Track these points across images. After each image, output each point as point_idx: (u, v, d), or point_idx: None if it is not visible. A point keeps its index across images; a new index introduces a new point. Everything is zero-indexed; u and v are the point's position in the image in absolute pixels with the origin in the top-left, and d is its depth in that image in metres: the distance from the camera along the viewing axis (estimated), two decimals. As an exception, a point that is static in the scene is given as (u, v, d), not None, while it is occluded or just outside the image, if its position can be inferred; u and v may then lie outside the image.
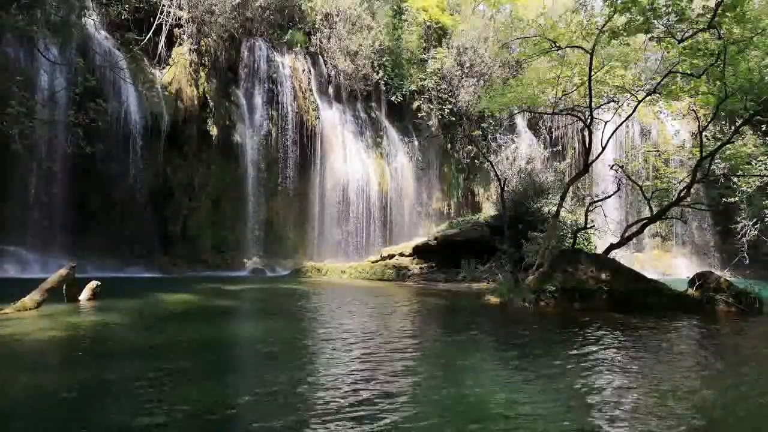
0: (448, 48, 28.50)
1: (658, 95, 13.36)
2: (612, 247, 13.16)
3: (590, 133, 14.20)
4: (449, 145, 29.42)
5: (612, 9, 11.53)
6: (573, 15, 14.02)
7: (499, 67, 28.51)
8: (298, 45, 25.34)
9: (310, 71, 25.49)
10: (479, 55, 28.34)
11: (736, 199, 21.95)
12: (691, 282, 11.78)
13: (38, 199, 17.61)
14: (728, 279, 12.65)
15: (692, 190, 14.52)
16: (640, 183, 16.90)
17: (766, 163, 19.16)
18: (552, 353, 6.65)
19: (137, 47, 20.15)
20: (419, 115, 28.24)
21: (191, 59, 21.71)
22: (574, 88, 15.15)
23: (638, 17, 11.44)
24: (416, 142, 28.59)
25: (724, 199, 22.33)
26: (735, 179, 20.33)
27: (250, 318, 10.24)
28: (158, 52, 21.17)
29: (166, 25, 21.06)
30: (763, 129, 20.43)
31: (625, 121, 15.06)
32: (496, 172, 16.42)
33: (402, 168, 27.60)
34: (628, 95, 14.22)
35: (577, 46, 13.20)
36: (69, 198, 17.81)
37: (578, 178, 16.46)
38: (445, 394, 4.71)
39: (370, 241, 25.21)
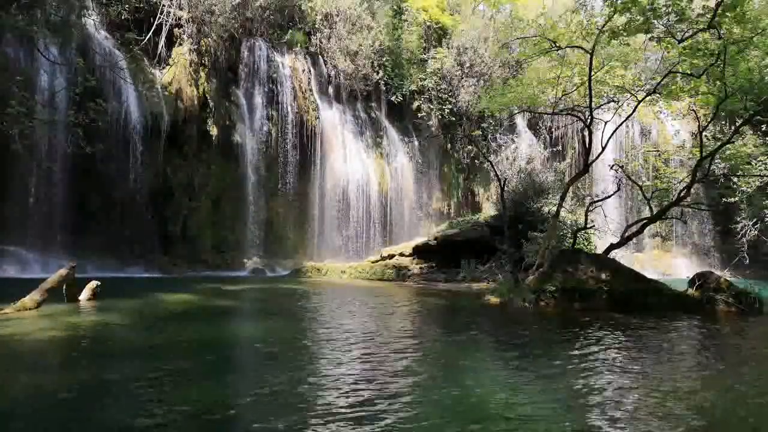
0: (448, 48, 28.50)
1: (658, 95, 13.36)
2: (612, 247, 13.16)
3: (590, 133, 14.20)
4: (449, 145, 29.42)
5: (612, 9, 11.54)
6: (573, 15, 14.02)
7: (499, 67, 28.51)
8: (298, 45, 25.34)
9: (310, 71, 25.49)
10: (479, 55, 28.34)
11: (736, 199, 21.95)
12: (691, 282, 11.78)
13: (38, 199, 17.61)
14: (728, 279, 12.65)
15: (692, 190, 14.51)
16: (640, 183, 16.90)
17: (766, 163, 19.16)
18: (552, 353, 6.65)
19: (137, 47, 20.15)
20: (419, 115, 28.24)
21: (191, 59, 21.71)
22: (574, 88, 15.14)
23: (638, 17, 11.44)
24: (416, 142, 28.59)
25: (724, 199, 22.33)
26: (735, 179, 20.33)
27: (250, 318, 10.24)
28: (158, 52, 21.17)
29: (166, 25, 21.06)
30: (763, 129, 20.43)
31: (625, 121, 15.06)
32: (496, 172, 16.42)
33: (402, 168, 27.60)
34: (628, 95, 14.22)
35: (577, 46, 13.20)
36: (69, 198, 17.81)
37: (578, 178, 16.46)
38: (446, 394, 4.71)
39: (370, 241, 25.22)
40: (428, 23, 28.97)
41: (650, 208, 14.65)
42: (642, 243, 28.22)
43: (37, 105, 16.12)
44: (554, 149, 29.49)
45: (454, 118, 28.48)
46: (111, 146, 18.29)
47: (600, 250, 14.68)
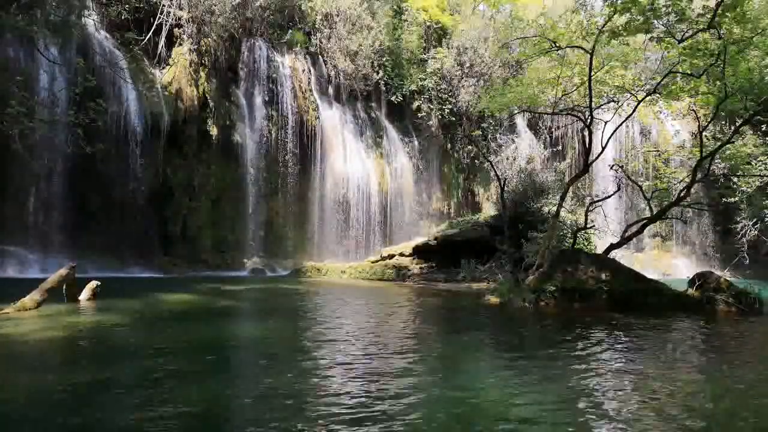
0: (448, 48, 28.50)
1: (658, 95, 13.37)
2: (612, 247, 13.16)
3: (590, 133, 14.20)
4: (449, 145, 29.42)
5: (612, 9, 11.53)
6: (573, 15, 14.02)
7: (499, 67, 28.50)
8: (298, 45, 25.34)
9: (310, 71, 25.49)
10: (479, 55, 28.34)
11: (736, 199, 21.97)
12: (691, 282, 11.78)
13: (38, 199, 17.62)
14: (728, 279, 12.65)
15: (692, 190, 14.51)
16: (640, 183, 16.90)
17: (766, 163, 19.18)
18: (552, 354, 6.65)
19: (137, 47, 20.16)
20: (419, 115, 28.24)
21: (191, 59, 21.71)
22: (574, 88, 15.15)
23: (638, 17, 11.45)
24: (416, 142, 28.59)
25: (724, 199, 22.34)
26: (735, 179, 20.35)
27: (250, 318, 10.24)
28: (158, 52, 21.17)
29: (166, 25, 21.06)
30: (763, 129, 20.45)
31: (625, 121, 15.06)
32: (496, 172, 16.42)
33: (402, 168, 27.60)
34: (628, 95, 14.22)
35: (577, 46, 13.20)
36: (69, 198, 17.82)
37: (578, 178, 16.46)
38: (446, 395, 4.72)
39: (370, 241, 25.22)
40: (428, 23, 28.97)
41: (650, 208, 14.65)
42: (642, 243, 28.23)
43: (37, 105, 16.12)
44: (554, 149, 29.49)
45: (454, 118, 28.49)
46: (111, 146, 18.29)
47: (600, 250, 14.68)
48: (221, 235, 22.23)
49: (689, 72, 12.07)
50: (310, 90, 25.17)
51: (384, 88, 27.59)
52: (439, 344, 7.57)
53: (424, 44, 28.99)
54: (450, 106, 28.13)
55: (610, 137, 13.98)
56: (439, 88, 28.13)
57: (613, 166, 16.54)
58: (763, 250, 23.85)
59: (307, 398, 4.54)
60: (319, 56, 25.98)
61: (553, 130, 30.47)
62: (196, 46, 21.90)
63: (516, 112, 22.64)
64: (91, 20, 18.99)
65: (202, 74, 22.14)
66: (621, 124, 15.43)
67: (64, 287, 9.62)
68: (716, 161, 16.01)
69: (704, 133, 14.24)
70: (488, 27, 29.26)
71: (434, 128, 28.37)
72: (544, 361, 6.22)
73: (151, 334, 7.50)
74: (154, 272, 18.81)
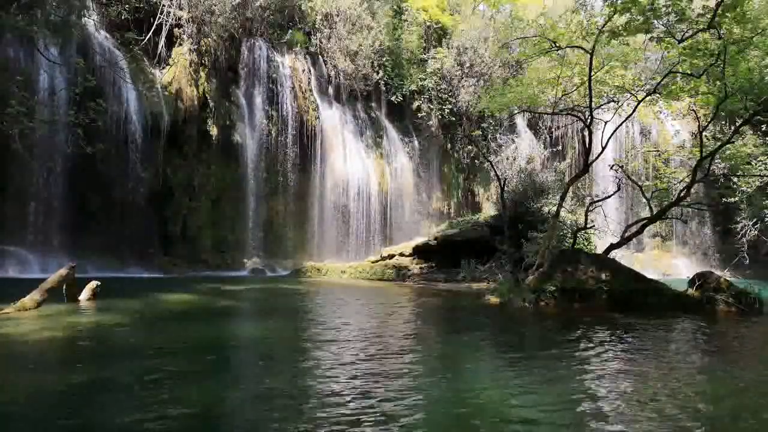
0: (448, 48, 28.50)
1: (658, 95, 13.36)
2: (612, 247, 13.16)
3: (590, 133, 14.20)
4: (449, 145, 29.43)
5: (612, 9, 11.53)
6: (573, 15, 14.02)
7: (499, 67, 28.50)
8: (298, 45, 25.34)
9: (310, 71, 25.49)
10: (479, 55, 28.34)
11: (736, 199, 21.96)
12: (691, 282, 11.77)
13: (38, 199, 17.62)
14: (728, 279, 12.65)
15: (692, 190, 14.51)
16: (640, 183, 16.89)
17: (766, 163, 19.17)
18: (553, 355, 6.64)
19: (137, 47, 20.16)
20: (419, 115, 28.25)
21: (191, 59, 21.71)
22: (574, 88, 15.15)
23: (638, 17, 11.44)
24: (416, 142, 28.59)
25: (724, 199, 22.33)
26: (735, 179, 20.34)
27: (250, 318, 10.24)
28: (158, 52, 21.17)
29: (166, 25, 21.07)
30: (763, 129, 20.44)
31: (625, 121, 15.06)
32: (496, 172, 16.42)
33: (402, 168, 27.60)
34: (628, 95, 14.21)
35: (577, 46, 13.20)
36: (69, 198, 17.82)
37: (578, 178, 16.46)
38: (447, 395, 4.72)
39: (370, 241, 25.22)
40: (428, 23, 28.97)
41: (650, 208, 14.64)
42: (642, 243, 28.23)
43: (37, 105, 16.12)
44: (554, 149, 29.49)
45: (454, 118, 28.49)
46: (111, 146, 18.30)
47: (600, 250, 14.68)
48: (221, 235, 22.23)
49: (689, 72, 12.06)
50: (310, 90, 25.18)
51: (384, 88, 27.59)
52: (439, 344, 7.57)
53: (424, 44, 29.00)
54: (450, 106, 28.13)
55: (610, 137, 13.98)
56: (439, 88, 28.13)
57: (613, 166, 16.52)
58: (763, 250, 23.85)
59: (307, 399, 4.54)
60: (319, 56, 25.98)
61: (553, 130, 30.47)
62: (196, 46, 21.91)
63: (516, 112, 22.64)
64: (91, 20, 19.00)
65: (202, 74, 22.14)
66: (621, 124, 15.43)
67: (64, 287, 9.62)
68: (716, 161, 16.00)
69: (704, 133, 14.23)
70: (488, 27, 29.27)
71: (434, 128, 28.37)
72: (545, 361, 6.22)
73: (151, 334, 7.50)
74: (154, 272, 18.81)
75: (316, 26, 25.90)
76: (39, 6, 15.02)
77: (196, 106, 21.51)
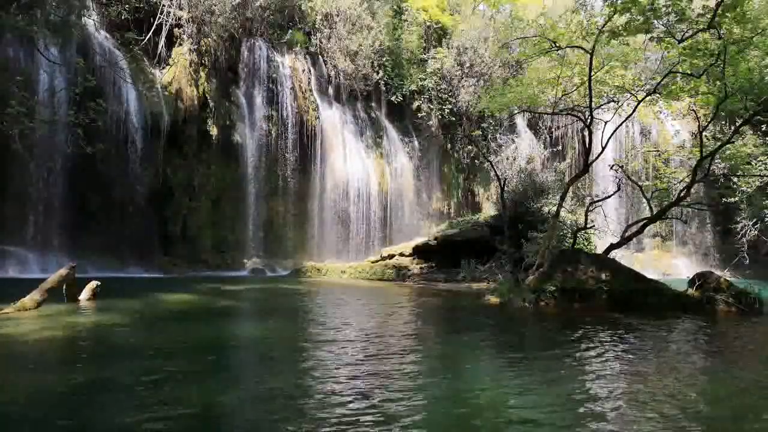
0: (448, 48, 28.49)
1: (658, 95, 13.36)
2: (612, 247, 13.16)
3: (590, 133, 14.20)
4: (449, 145, 29.42)
5: (612, 9, 11.53)
6: (573, 15, 14.02)
7: (499, 67, 28.50)
8: (298, 45, 25.34)
9: (310, 71, 25.49)
10: (479, 55, 28.33)
11: (736, 199, 21.95)
12: (691, 282, 11.77)
13: (38, 199, 17.61)
14: (728, 279, 12.65)
15: (692, 190, 14.51)
16: (640, 183, 16.90)
17: (766, 163, 19.16)
18: (553, 355, 6.64)
19: (137, 47, 20.16)
20: (419, 115, 28.24)
21: (191, 59, 21.71)
22: (574, 88, 15.15)
23: (638, 17, 11.44)
24: (416, 142, 28.59)
25: (724, 199, 22.32)
26: (735, 179, 20.34)
27: (250, 318, 10.24)
28: (158, 52, 21.17)
29: (166, 25, 21.06)
30: (763, 129, 20.44)
31: (625, 121, 15.06)
32: (496, 172, 16.42)
33: (402, 168, 27.60)
34: (628, 95, 14.21)
35: (577, 46, 13.19)
36: (69, 198, 17.82)
37: (578, 178, 16.46)
38: (447, 396, 4.72)
39: (370, 241, 25.21)
40: (428, 23, 28.97)
41: (650, 208, 14.65)
42: (642, 243, 28.22)
43: (37, 105, 16.12)
44: (554, 149, 29.49)
45: (454, 118, 28.48)
46: (111, 146, 18.29)
47: (600, 250, 14.68)
48: (221, 235, 22.23)
49: (689, 72, 12.06)
50: (310, 90, 25.17)
51: (384, 88, 27.58)
52: (439, 344, 7.57)
53: (424, 44, 28.99)
54: (450, 106, 28.13)
55: (610, 137, 13.98)
56: (439, 88, 28.12)
57: (613, 166, 16.52)
58: (763, 250, 23.85)
59: (308, 399, 4.54)
60: (319, 56, 25.98)
61: (553, 130, 30.46)
62: (196, 46, 21.91)
63: (516, 112, 22.64)
64: (91, 20, 19.01)
65: (202, 74, 22.14)
66: (621, 124, 15.43)
67: (64, 287, 9.62)
68: (716, 161, 16.00)
69: (704, 133, 14.23)
70: (488, 27, 29.27)
71: (434, 128, 28.37)
72: (545, 361, 6.22)
73: (151, 334, 7.50)
74: (154, 272, 18.81)
75: (316, 26, 25.89)
76: (39, 6, 15.02)
77: (196, 106, 21.51)
